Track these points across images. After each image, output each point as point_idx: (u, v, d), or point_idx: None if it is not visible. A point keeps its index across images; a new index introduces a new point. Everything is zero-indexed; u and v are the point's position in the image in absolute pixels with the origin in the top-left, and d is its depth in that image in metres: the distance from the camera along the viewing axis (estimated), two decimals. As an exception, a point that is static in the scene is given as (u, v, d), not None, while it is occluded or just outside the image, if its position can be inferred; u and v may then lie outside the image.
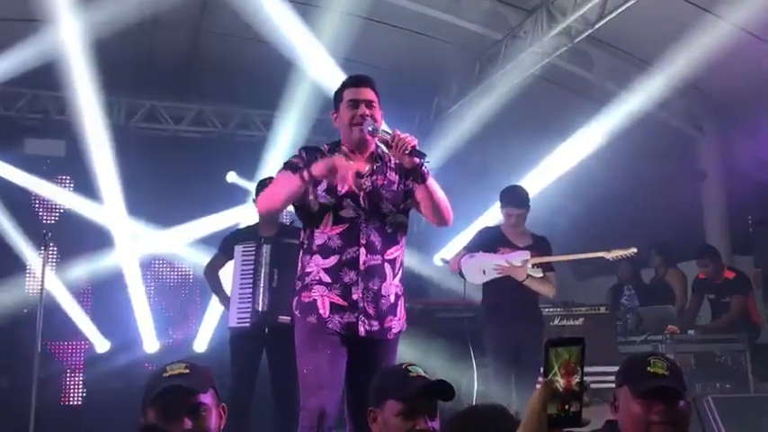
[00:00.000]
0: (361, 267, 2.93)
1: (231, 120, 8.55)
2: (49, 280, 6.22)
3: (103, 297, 7.66)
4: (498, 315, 4.76)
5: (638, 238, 5.36)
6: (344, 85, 3.10)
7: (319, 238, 2.97)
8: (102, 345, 7.54)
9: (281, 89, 7.13)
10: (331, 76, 6.34)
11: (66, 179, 7.83)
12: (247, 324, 4.75)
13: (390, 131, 2.92)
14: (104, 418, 6.55)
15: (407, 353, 3.61)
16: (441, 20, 6.63)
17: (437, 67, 7.50)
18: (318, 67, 6.61)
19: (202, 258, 6.04)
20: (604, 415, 2.18)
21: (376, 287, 2.95)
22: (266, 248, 4.80)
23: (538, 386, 1.46)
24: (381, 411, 2.28)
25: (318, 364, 2.87)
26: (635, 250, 4.63)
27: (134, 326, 7.61)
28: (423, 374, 2.30)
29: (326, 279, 2.94)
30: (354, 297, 2.92)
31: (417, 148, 2.88)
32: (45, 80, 7.07)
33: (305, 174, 2.86)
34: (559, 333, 5.44)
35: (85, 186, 7.53)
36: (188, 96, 8.44)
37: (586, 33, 6.13)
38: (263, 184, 4.65)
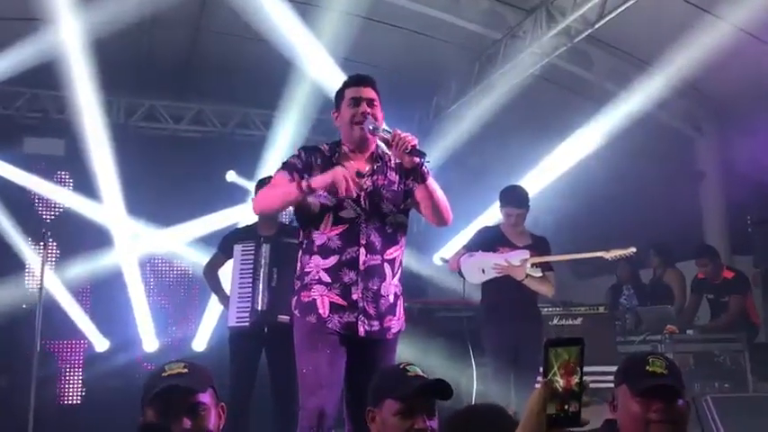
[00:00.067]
0: (361, 267, 2.93)
1: (231, 119, 8.55)
2: (48, 279, 6.21)
3: (103, 296, 7.67)
4: (497, 314, 4.76)
5: (637, 237, 5.36)
6: (346, 85, 3.11)
7: (319, 239, 2.97)
8: (101, 344, 7.54)
9: (281, 89, 7.13)
10: (330, 76, 6.35)
11: (65, 176, 7.84)
12: (246, 323, 4.75)
13: (390, 130, 2.93)
14: (103, 417, 6.55)
15: (407, 353, 3.61)
16: (440, 19, 6.64)
17: (436, 66, 7.50)
18: (318, 66, 6.62)
19: (202, 258, 6.05)
20: (603, 414, 2.18)
21: (375, 287, 2.95)
22: (265, 248, 4.80)
23: (537, 386, 1.46)
24: (380, 411, 2.28)
25: (318, 364, 2.87)
26: (634, 250, 4.63)
27: (133, 325, 7.61)
28: (421, 374, 2.30)
29: (326, 279, 2.94)
30: (354, 297, 2.91)
31: (417, 147, 2.89)
32: (44, 79, 7.07)
33: (304, 185, 2.85)
34: (558, 333, 5.44)
35: (85, 185, 7.54)
36: (187, 96, 8.44)
37: (586, 33, 6.13)
38: (262, 184, 4.65)
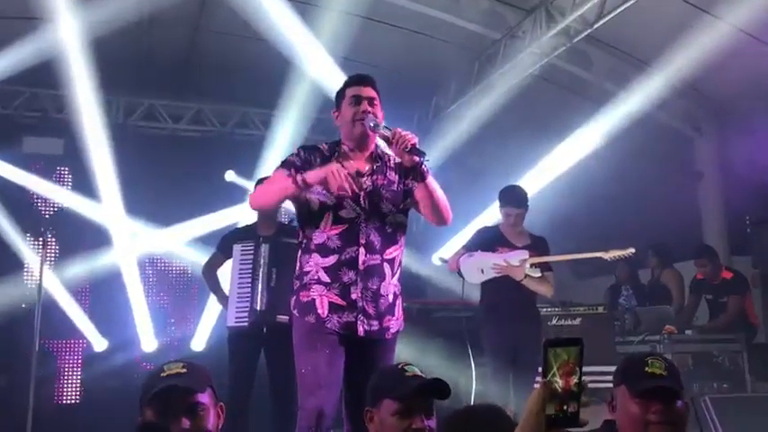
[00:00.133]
0: (361, 267, 2.92)
1: (230, 118, 8.55)
2: (47, 278, 6.21)
3: (102, 296, 7.67)
4: (496, 314, 4.76)
5: (636, 238, 5.37)
6: (347, 84, 3.12)
7: (318, 238, 2.97)
8: (99, 343, 7.54)
9: (280, 88, 7.13)
10: (330, 76, 6.35)
11: (64, 171, 7.83)
12: (245, 323, 4.75)
13: (391, 128, 2.93)
14: (102, 417, 6.54)
15: (405, 353, 3.61)
16: (439, 19, 6.63)
17: (436, 66, 7.50)
18: (317, 66, 6.61)
19: (201, 257, 6.04)
20: (602, 415, 2.18)
21: (375, 287, 2.94)
22: (265, 248, 4.80)
23: (536, 386, 1.46)
24: (378, 411, 2.28)
25: (317, 364, 2.87)
26: (633, 250, 4.64)
27: (132, 325, 7.62)
28: (419, 374, 2.30)
29: (325, 278, 2.94)
30: (353, 297, 2.91)
31: (417, 146, 2.89)
32: (43, 78, 7.07)
33: (299, 179, 2.86)
34: (557, 333, 5.44)
35: (84, 185, 7.54)
36: (187, 95, 8.43)
37: (585, 33, 6.13)
38: (261, 183, 4.64)
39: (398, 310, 3.07)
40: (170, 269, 8.21)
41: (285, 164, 3.03)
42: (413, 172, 2.99)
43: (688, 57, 5.91)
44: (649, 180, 7.38)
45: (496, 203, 5.01)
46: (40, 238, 5.47)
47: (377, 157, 3.10)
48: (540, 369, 1.47)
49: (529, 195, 5.01)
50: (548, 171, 7.43)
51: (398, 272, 3.06)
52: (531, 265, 4.74)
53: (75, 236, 7.59)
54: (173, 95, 8.34)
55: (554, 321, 5.62)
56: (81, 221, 7.59)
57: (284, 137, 7.65)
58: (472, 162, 8.10)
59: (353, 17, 6.37)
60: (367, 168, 3.04)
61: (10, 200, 7.34)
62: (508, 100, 6.91)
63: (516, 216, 4.87)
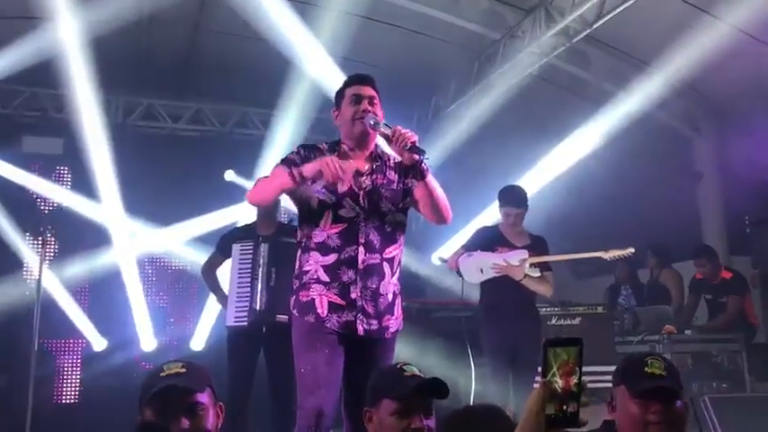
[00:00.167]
0: (360, 266, 2.92)
1: (229, 118, 8.54)
2: (46, 278, 6.20)
3: (101, 295, 7.66)
4: (496, 314, 4.76)
5: (635, 238, 5.36)
6: (347, 84, 3.13)
7: (318, 237, 2.97)
8: (99, 343, 7.53)
9: (280, 88, 7.13)
10: (329, 75, 6.35)
11: (64, 171, 7.83)
12: (245, 323, 4.74)
13: (391, 126, 2.93)
14: (101, 417, 6.53)
15: (405, 352, 3.61)
16: (439, 19, 6.63)
17: (435, 66, 7.50)
18: (317, 65, 6.61)
19: (200, 257, 6.04)
20: (602, 415, 2.18)
21: (374, 286, 2.94)
22: (264, 247, 4.79)
23: (535, 386, 1.46)
24: (377, 411, 2.29)
25: (316, 364, 2.87)
26: (632, 250, 4.64)
27: (131, 324, 7.61)
28: (417, 373, 2.30)
29: (325, 278, 2.94)
30: (353, 296, 2.91)
31: (417, 144, 2.89)
32: (43, 78, 7.07)
33: (295, 173, 2.87)
34: (557, 332, 5.44)
35: (83, 184, 7.53)
36: (186, 94, 8.43)
37: (584, 33, 6.13)
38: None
39: (398, 310, 3.07)
40: (169, 269, 8.20)
41: (285, 161, 3.03)
42: (413, 170, 2.99)
43: (687, 57, 5.91)
44: (648, 180, 7.38)
45: (496, 203, 5.01)
46: (40, 238, 5.45)
47: (376, 156, 3.10)
48: (539, 369, 1.47)
49: (528, 195, 5.01)
50: (547, 171, 7.43)
51: (398, 271, 3.06)
52: (531, 265, 4.74)
53: (74, 235, 7.59)
54: (172, 95, 8.33)
55: (553, 321, 5.62)
56: (80, 221, 7.59)
57: (284, 137, 7.65)
58: (472, 162, 8.10)
59: (353, 17, 6.37)
60: (366, 168, 3.04)
61: (9, 199, 7.34)
62: (507, 100, 6.91)
63: (516, 216, 4.87)
